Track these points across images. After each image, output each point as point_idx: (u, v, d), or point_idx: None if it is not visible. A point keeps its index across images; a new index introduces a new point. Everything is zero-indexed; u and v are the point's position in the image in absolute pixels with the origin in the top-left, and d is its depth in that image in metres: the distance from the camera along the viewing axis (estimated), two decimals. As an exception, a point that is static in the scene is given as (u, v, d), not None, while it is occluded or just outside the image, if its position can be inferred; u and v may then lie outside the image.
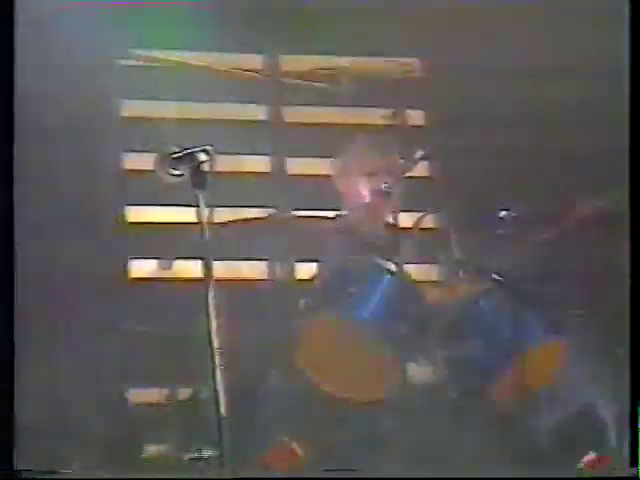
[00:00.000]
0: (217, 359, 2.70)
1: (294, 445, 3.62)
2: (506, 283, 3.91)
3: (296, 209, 4.28)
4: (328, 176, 4.18)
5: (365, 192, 4.12)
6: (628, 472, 3.25)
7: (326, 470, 3.30)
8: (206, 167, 2.97)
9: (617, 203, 4.00)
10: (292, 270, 4.22)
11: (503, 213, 4.01)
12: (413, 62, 4.81)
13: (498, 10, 4.59)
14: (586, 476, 3.58)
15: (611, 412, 4.11)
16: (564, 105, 4.81)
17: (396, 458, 3.77)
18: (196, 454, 3.67)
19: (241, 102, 4.63)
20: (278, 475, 3.10)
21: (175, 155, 2.95)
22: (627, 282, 3.92)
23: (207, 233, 2.90)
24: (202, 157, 2.83)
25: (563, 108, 4.81)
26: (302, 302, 3.78)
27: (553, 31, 4.77)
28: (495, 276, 3.86)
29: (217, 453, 2.80)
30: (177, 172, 2.94)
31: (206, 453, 3.68)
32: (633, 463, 3.25)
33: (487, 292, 3.84)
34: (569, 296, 4.24)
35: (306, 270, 4.09)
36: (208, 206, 2.87)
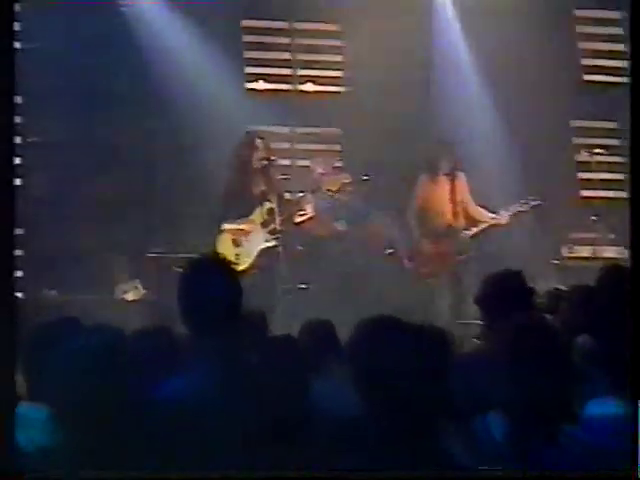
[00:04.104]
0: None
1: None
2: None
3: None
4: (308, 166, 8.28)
5: (320, 171, 8.01)
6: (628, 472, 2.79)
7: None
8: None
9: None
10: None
11: (365, 177, 7.74)
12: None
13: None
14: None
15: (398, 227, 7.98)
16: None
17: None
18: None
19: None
20: (274, 475, 2.72)
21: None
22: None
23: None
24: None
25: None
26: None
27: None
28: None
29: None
30: None
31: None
32: (633, 463, 2.80)
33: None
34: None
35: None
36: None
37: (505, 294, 3.84)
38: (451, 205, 7.88)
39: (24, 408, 2.98)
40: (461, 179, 7.91)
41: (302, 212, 7.44)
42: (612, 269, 4.21)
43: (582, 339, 3.15)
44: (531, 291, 3.95)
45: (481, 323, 3.97)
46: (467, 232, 7.84)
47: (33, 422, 2.83)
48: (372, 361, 2.84)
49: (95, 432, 2.66)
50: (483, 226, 7.82)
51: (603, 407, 2.95)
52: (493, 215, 7.87)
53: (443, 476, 2.77)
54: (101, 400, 2.69)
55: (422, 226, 7.97)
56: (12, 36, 3.20)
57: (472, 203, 7.90)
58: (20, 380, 3.08)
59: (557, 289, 4.77)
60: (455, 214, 7.87)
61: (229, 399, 2.96)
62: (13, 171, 3.14)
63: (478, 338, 4.03)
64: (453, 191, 7.88)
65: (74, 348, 2.81)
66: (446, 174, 7.88)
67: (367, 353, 2.87)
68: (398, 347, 2.84)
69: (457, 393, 3.04)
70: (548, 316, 3.92)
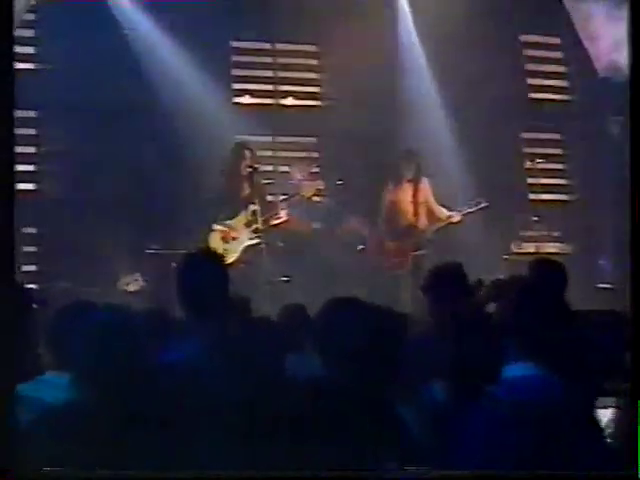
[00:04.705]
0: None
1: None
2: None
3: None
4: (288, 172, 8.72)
5: (299, 176, 8.41)
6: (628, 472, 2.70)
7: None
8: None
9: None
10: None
11: (339, 182, 8.34)
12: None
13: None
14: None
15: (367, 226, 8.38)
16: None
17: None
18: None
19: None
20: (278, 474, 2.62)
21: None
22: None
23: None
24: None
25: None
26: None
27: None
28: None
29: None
30: None
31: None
32: (633, 463, 2.71)
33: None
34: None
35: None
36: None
37: (444, 283, 4.24)
38: (414, 207, 8.24)
39: (50, 375, 3.32)
40: (424, 183, 8.29)
41: (277, 216, 7.83)
42: (540, 262, 4.64)
43: (506, 317, 3.44)
44: (466, 280, 4.35)
45: (427, 307, 4.34)
46: (428, 230, 8.17)
47: (57, 385, 3.13)
48: (334, 333, 3.22)
49: (107, 390, 2.99)
50: (441, 224, 8.16)
51: (518, 370, 3.23)
52: (449, 213, 8.23)
53: (443, 476, 2.80)
54: (110, 366, 3.03)
55: (389, 225, 8.33)
56: (12, 58, 3.21)
57: (435, 204, 8.27)
58: (46, 353, 3.44)
59: (499, 279, 5.11)
60: (417, 215, 8.23)
61: (216, 366, 3.24)
62: (13, 177, 3.13)
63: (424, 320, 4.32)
64: (416, 194, 8.23)
65: (88, 327, 3.15)
66: (410, 180, 8.23)
67: (330, 327, 3.27)
68: (356, 322, 3.23)
69: (406, 363, 3.33)
70: (486, 300, 4.31)
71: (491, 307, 4.11)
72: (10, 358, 2.80)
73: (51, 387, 3.19)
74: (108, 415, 2.93)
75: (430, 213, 8.25)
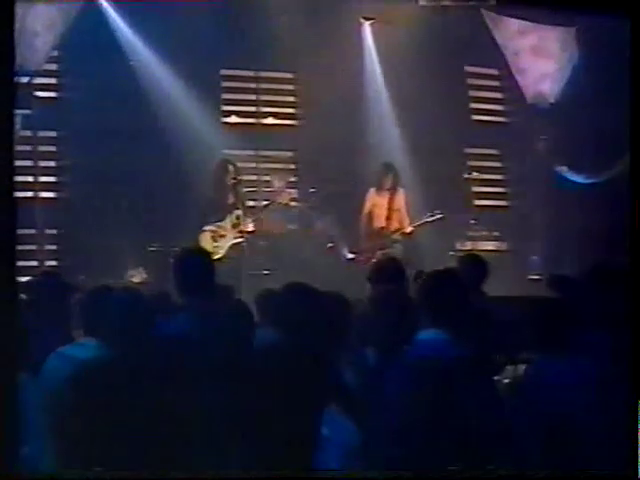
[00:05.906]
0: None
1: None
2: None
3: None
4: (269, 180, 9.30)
5: (278, 185, 8.92)
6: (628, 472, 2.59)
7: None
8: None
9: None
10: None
11: (312, 190, 9.02)
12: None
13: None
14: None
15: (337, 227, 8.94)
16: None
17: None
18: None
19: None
20: (275, 474, 2.50)
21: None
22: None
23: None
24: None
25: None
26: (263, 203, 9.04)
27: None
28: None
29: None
30: None
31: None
32: (633, 463, 2.66)
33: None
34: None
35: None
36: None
37: (383, 274, 4.97)
38: (388, 212, 8.73)
39: (82, 340, 3.95)
40: (400, 193, 8.83)
41: (246, 226, 8.30)
42: (461, 257, 5.32)
43: (423, 298, 3.80)
44: (399, 271, 5.06)
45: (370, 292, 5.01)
46: (395, 233, 8.69)
47: (88, 347, 3.77)
48: (290, 311, 3.89)
49: (123, 350, 3.62)
50: (403, 230, 8.91)
51: (428, 335, 3.74)
52: (403, 224, 8.91)
53: (444, 476, 2.75)
54: (125, 334, 3.64)
55: (366, 227, 8.81)
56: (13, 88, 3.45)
57: (405, 213, 8.76)
58: (80, 324, 4.05)
59: (434, 269, 5.74)
60: (388, 219, 8.77)
61: (205, 336, 3.77)
62: (12, 186, 3.32)
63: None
64: (392, 202, 8.73)
65: (109, 306, 3.76)
66: (389, 188, 8.73)
67: (287, 306, 3.96)
68: (307, 302, 3.91)
69: (348, 334, 4.05)
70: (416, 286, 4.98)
71: (417, 291, 4.73)
72: (10, 357, 3.05)
73: (84, 348, 3.76)
74: (124, 366, 3.51)
75: (401, 220, 8.70)
